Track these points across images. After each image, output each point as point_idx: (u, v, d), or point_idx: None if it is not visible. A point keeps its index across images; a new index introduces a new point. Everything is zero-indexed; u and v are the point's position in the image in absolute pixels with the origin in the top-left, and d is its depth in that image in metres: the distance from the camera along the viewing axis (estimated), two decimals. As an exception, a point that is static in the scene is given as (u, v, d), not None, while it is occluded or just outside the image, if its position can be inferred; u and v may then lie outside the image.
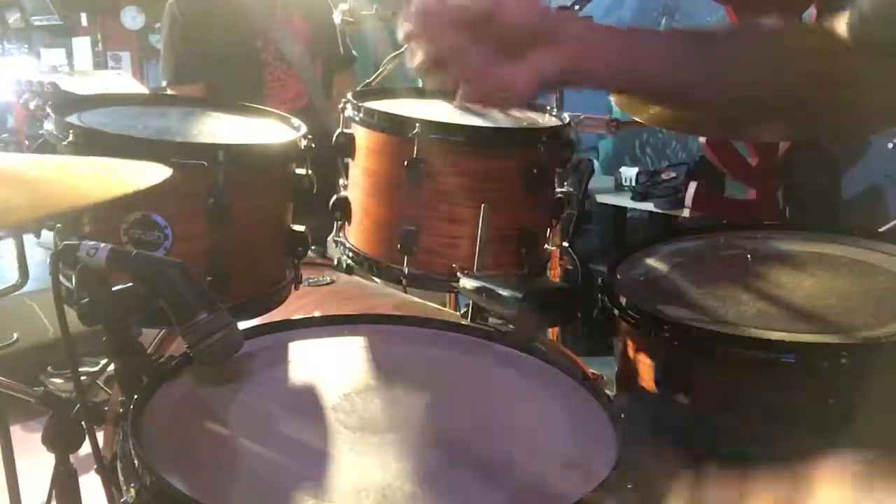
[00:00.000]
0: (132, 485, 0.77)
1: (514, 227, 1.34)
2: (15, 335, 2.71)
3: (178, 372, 0.97)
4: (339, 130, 1.39)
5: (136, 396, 0.89)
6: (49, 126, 1.15)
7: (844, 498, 0.61)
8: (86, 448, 1.01)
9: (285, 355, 1.06)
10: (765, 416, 1.05)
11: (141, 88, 3.78)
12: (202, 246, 1.15)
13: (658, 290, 1.27)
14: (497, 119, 1.47)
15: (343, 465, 0.80)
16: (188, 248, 1.13)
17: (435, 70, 0.82)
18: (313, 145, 1.27)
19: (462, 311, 1.38)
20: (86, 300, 0.91)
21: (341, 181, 1.45)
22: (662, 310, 1.19)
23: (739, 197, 3.42)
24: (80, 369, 1.01)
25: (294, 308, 1.32)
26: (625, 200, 3.96)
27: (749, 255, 1.38)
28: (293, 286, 1.31)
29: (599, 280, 1.32)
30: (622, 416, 0.89)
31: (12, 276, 1.41)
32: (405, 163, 1.27)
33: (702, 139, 3.31)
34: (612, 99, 2.01)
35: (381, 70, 2.18)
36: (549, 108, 1.54)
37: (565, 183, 1.43)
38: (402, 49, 2.22)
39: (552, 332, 1.96)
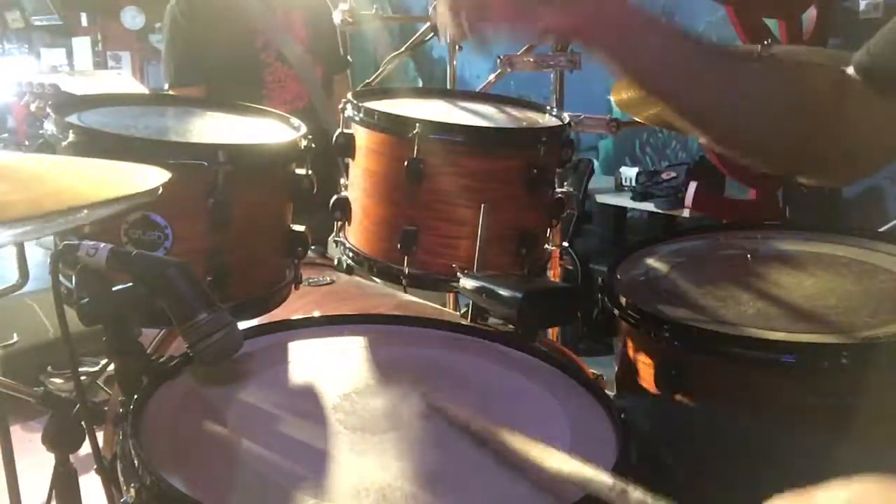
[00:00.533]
0: (132, 485, 0.77)
1: (514, 227, 1.34)
2: (15, 335, 2.71)
3: (178, 372, 0.97)
4: (339, 130, 1.39)
5: (136, 396, 0.89)
6: (49, 126, 1.15)
7: None
8: (86, 448, 1.01)
9: (285, 355, 1.06)
10: (765, 416, 1.05)
11: (141, 88, 3.78)
12: (202, 246, 1.15)
13: (658, 290, 1.27)
14: (497, 119, 1.47)
15: (343, 465, 0.80)
16: (188, 248, 1.13)
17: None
18: (313, 145, 1.27)
19: (462, 311, 1.38)
20: (86, 300, 0.91)
21: (342, 181, 1.45)
22: (662, 310, 1.19)
23: (739, 197, 3.43)
24: (80, 369, 1.00)
25: (294, 308, 1.32)
26: (625, 200, 3.96)
27: (749, 255, 1.38)
28: (293, 286, 1.31)
29: (599, 280, 1.32)
30: (622, 416, 0.89)
31: (12, 276, 1.41)
32: (405, 163, 1.27)
33: (701, 139, 3.31)
34: (613, 99, 2.02)
35: (381, 70, 2.19)
36: (549, 108, 1.54)
37: (565, 183, 1.44)
38: (402, 49, 2.23)
39: (552, 332, 1.96)
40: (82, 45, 6.59)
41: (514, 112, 1.52)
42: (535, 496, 0.78)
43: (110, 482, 0.97)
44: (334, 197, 1.44)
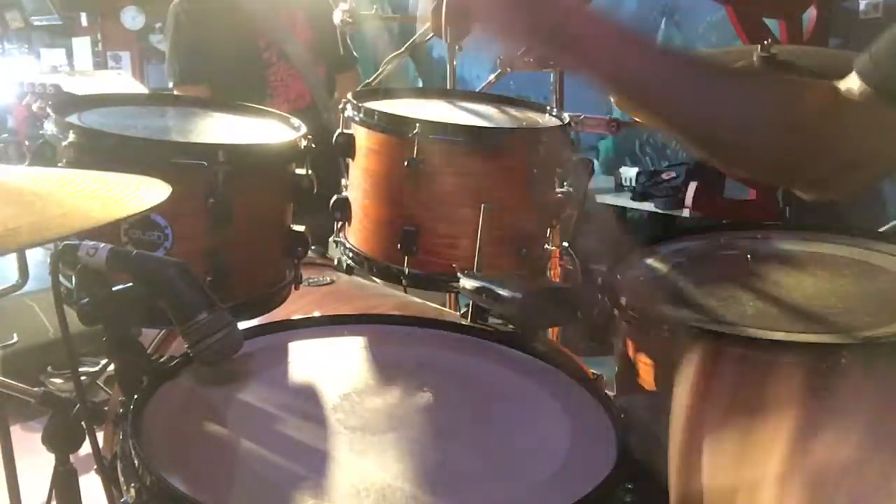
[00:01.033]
0: (132, 485, 0.77)
1: (514, 227, 1.34)
2: (15, 335, 2.70)
3: (178, 372, 0.97)
4: (339, 130, 1.39)
5: (136, 396, 0.89)
6: (49, 126, 1.15)
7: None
8: (86, 448, 1.01)
9: (285, 355, 1.06)
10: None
11: (141, 88, 3.78)
12: (202, 246, 1.15)
13: (658, 290, 1.27)
14: (497, 119, 1.47)
15: (343, 465, 0.80)
16: (188, 248, 1.13)
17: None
18: (315, 145, 1.27)
19: (462, 311, 1.38)
20: (86, 300, 0.91)
21: (343, 181, 1.45)
22: (662, 310, 1.19)
23: (739, 197, 3.43)
24: (80, 369, 1.00)
25: (294, 308, 1.32)
26: (625, 200, 3.96)
27: (749, 255, 1.38)
28: (293, 286, 1.31)
29: (599, 280, 1.32)
30: (622, 416, 0.89)
31: (12, 276, 1.41)
32: (405, 163, 1.27)
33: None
34: (612, 99, 2.01)
35: (381, 70, 2.18)
36: (549, 108, 1.54)
37: (565, 183, 1.44)
38: (403, 49, 2.23)
39: (552, 332, 1.96)
40: (82, 45, 6.59)
41: (514, 112, 1.52)
42: (535, 496, 0.78)
43: (110, 482, 0.97)
44: (334, 197, 1.44)
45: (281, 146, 1.24)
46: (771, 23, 3.19)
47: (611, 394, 1.01)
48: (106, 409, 1.19)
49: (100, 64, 6.48)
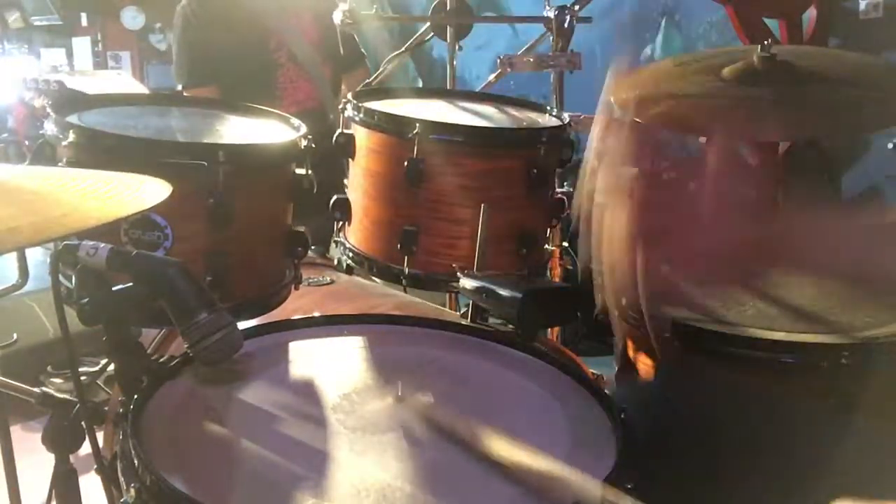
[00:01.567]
0: (132, 485, 0.77)
1: (514, 227, 1.34)
2: (15, 335, 2.70)
3: (178, 372, 0.97)
4: (338, 130, 1.39)
5: (136, 396, 0.89)
6: (49, 126, 1.15)
7: None
8: (86, 448, 1.01)
9: (285, 355, 1.06)
10: (765, 415, 1.05)
11: (141, 88, 3.78)
12: (202, 246, 1.15)
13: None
14: (497, 119, 1.48)
15: (343, 465, 0.80)
16: (188, 248, 1.13)
17: None
18: (322, 146, 1.27)
19: (462, 311, 1.38)
20: (86, 300, 0.91)
21: (346, 181, 1.45)
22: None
23: (739, 197, 3.42)
24: (80, 369, 1.00)
25: (294, 308, 1.32)
26: (625, 200, 3.95)
27: (749, 255, 1.38)
28: (293, 286, 1.31)
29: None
30: (622, 416, 0.89)
31: (12, 276, 1.41)
32: (405, 163, 1.27)
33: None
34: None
35: (381, 70, 2.18)
36: (549, 108, 1.54)
37: (565, 183, 1.44)
38: (403, 49, 2.23)
39: (552, 332, 1.96)
40: (82, 45, 6.59)
41: (514, 112, 1.52)
42: (535, 496, 0.78)
43: (110, 482, 0.97)
44: (334, 197, 1.44)
45: (281, 146, 1.24)
46: (771, 23, 3.19)
47: (610, 393, 1.01)
48: (106, 409, 1.19)
49: (100, 64, 6.49)
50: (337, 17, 2.15)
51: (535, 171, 1.31)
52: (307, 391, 0.97)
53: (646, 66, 1.97)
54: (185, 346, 0.93)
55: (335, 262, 1.58)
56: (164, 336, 1.39)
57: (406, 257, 1.32)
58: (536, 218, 1.38)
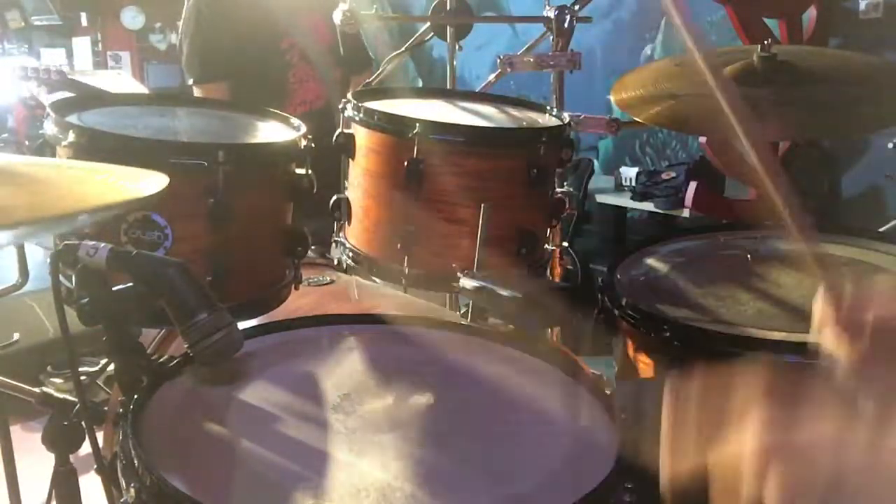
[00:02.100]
0: (132, 485, 0.77)
1: (514, 227, 1.34)
2: (15, 335, 2.70)
3: (178, 372, 0.97)
4: (338, 130, 1.39)
5: (136, 396, 0.89)
6: (49, 126, 1.15)
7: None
8: (86, 448, 1.01)
9: (285, 355, 1.06)
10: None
11: (141, 88, 3.77)
12: (202, 246, 1.15)
13: (658, 290, 1.27)
14: (497, 119, 1.47)
15: (343, 465, 0.80)
16: (188, 248, 1.13)
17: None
18: (326, 148, 1.27)
19: (462, 311, 1.38)
20: (86, 300, 0.91)
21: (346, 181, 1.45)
22: (662, 310, 1.19)
23: (739, 197, 3.43)
24: (80, 369, 1.00)
25: (294, 308, 1.32)
26: (625, 200, 3.96)
27: (749, 255, 1.38)
28: (293, 286, 1.31)
29: (599, 280, 1.32)
30: (622, 416, 0.89)
31: (12, 276, 1.41)
32: (405, 163, 1.27)
33: (702, 139, 3.31)
34: (612, 99, 2.02)
35: (381, 70, 2.18)
36: (549, 108, 1.54)
37: (565, 183, 1.43)
38: (403, 49, 2.23)
39: (552, 332, 1.96)
40: (82, 45, 6.60)
41: (514, 112, 1.52)
42: (535, 496, 0.78)
43: (110, 482, 0.97)
44: (334, 197, 1.44)
45: (281, 146, 1.24)
46: (771, 23, 3.20)
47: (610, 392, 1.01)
48: (106, 409, 1.19)
49: (100, 64, 6.49)
50: (337, 17, 2.15)
51: (535, 170, 1.31)
52: (307, 391, 0.98)
53: (646, 66, 1.97)
54: (185, 346, 0.93)
55: (335, 262, 1.58)
56: (164, 336, 1.39)
57: (406, 257, 1.32)
58: (536, 218, 1.38)
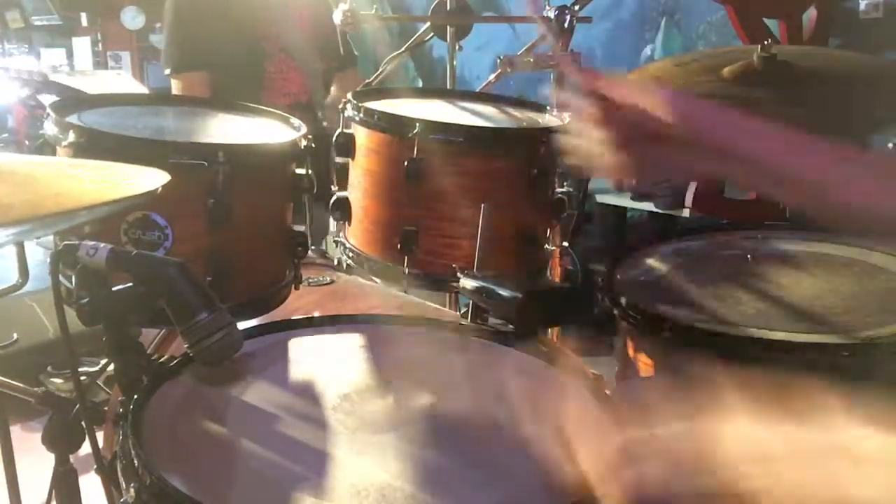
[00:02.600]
0: (132, 485, 0.77)
1: (514, 227, 1.34)
2: (15, 335, 2.70)
3: (178, 372, 0.97)
4: (339, 130, 1.39)
5: (136, 396, 0.89)
6: (49, 126, 1.15)
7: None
8: (86, 448, 1.01)
9: (285, 355, 1.06)
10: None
11: (141, 88, 3.78)
12: (202, 246, 1.15)
13: (658, 290, 1.27)
14: (497, 119, 1.48)
15: (343, 465, 0.80)
16: (188, 248, 1.13)
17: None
18: (312, 144, 1.27)
19: (462, 311, 1.38)
20: (86, 300, 0.91)
21: (333, 176, 1.45)
22: (662, 310, 1.19)
23: (739, 197, 3.43)
24: (80, 369, 1.00)
25: (294, 308, 1.32)
26: (625, 200, 3.96)
27: (749, 255, 1.38)
28: (293, 286, 1.31)
29: (599, 280, 1.32)
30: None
31: (12, 276, 1.40)
32: (405, 163, 1.27)
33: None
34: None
35: (381, 70, 2.18)
36: (549, 108, 1.54)
37: (565, 183, 1.43)
38: (403, 49, 2.23)
39: (552, 332, 1.96)
40: (82, 45, 6.60)
41: (514, 112, 1.52)
42: (535, 496, 0.78)
43: (110, 482, 0.97)
44: (334, 197, 1.44)
45: (281, 146, 1.24)
46: (771, 23, 3.19)
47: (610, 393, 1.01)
48: (106, 409, 1.19)
49: (100, 64, 6.49)
50: (337, 17, 2.14)
51: (535, 170, 1.31)
52: (307, 391, 0.97)
53: (646, 66, 1.97)
54: (185, 346, 0.93)
55: (335, 262, 1.58)
56: (164, 336, 1.39)
57: (406, 257, 1.32)
58: (536, 218, 1.38)
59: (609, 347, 1.33)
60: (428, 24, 2.21)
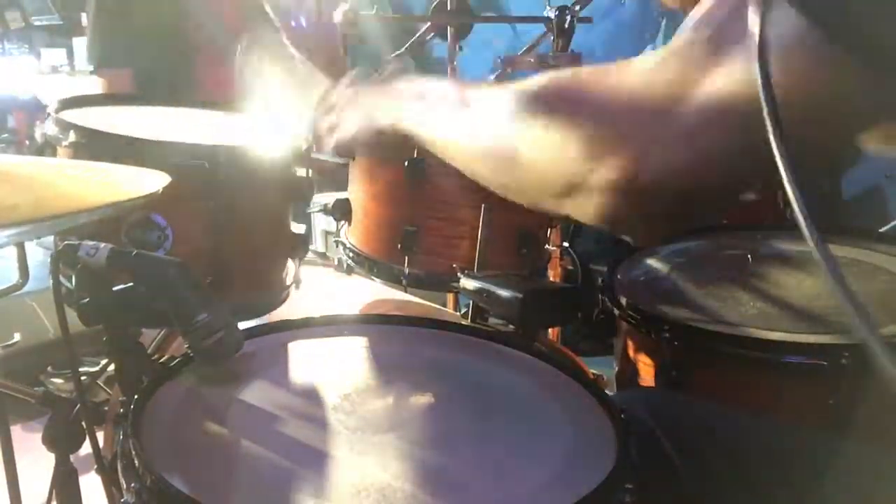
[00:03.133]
0: (132, 485, 0.76)
1: (514, 227, 1.34)
2: (15, 335, 2.70)
3: (178, 372, 0.97)
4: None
5: (136, 396, 0.89)
6: (49, 126, 1.15)
7: None
8: (86, 448, 1.01)
9: (285, 355, 1.06)
10: (765, 416, 1.05)
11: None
12: (202, 246, 1.15)
13: (658, 290, 1.27)
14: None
15: (343, 465, 0.80)
16: (188, 248, 1.13)
17: None
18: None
19: (462, 311, 1.38)
20: (86, 300, 0.91)
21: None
22: (662, 310, 1.19)
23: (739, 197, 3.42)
24: (80, 369, 1.00)
25: (294, 308, 1.32)
26: (625, 200, 3.95)
27: (749, 255, 1.38)
28: (293, 286, 1.31)
29: (599, 280, 1.32)
30: (622, 416, 0.89)
31: (12, 276, 1.41)
32: (405, 163, 1.27)
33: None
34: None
35: (381, 70, 2.18)
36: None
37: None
38: (402, 49, 2.23)
39: (552, 332, 1.96)
40: (83, 46, 6.59)
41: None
42: (535, 496, 0.78)
43: (110, 482, 0.97)
44: (334, 197, 1.44)
45: (281, 147, 1.24)
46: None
47: (611, 393, 1.01)
48: (106, 409, 1.19)
49: (100, 64, 6.48)
50: (337, 17, 2.15)
51: (535, 171, 1.31)
52: (307, 391, 0.97)
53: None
54: (185, 346, 0.93)
55: (335, 262, 1.58)
56: (164, 336, 1.39)
57: (406, 257, 1.32)
58: (536, 218, 1.38)
59: (609, 347, 1.33)
60: (428, 24, 2.21)
